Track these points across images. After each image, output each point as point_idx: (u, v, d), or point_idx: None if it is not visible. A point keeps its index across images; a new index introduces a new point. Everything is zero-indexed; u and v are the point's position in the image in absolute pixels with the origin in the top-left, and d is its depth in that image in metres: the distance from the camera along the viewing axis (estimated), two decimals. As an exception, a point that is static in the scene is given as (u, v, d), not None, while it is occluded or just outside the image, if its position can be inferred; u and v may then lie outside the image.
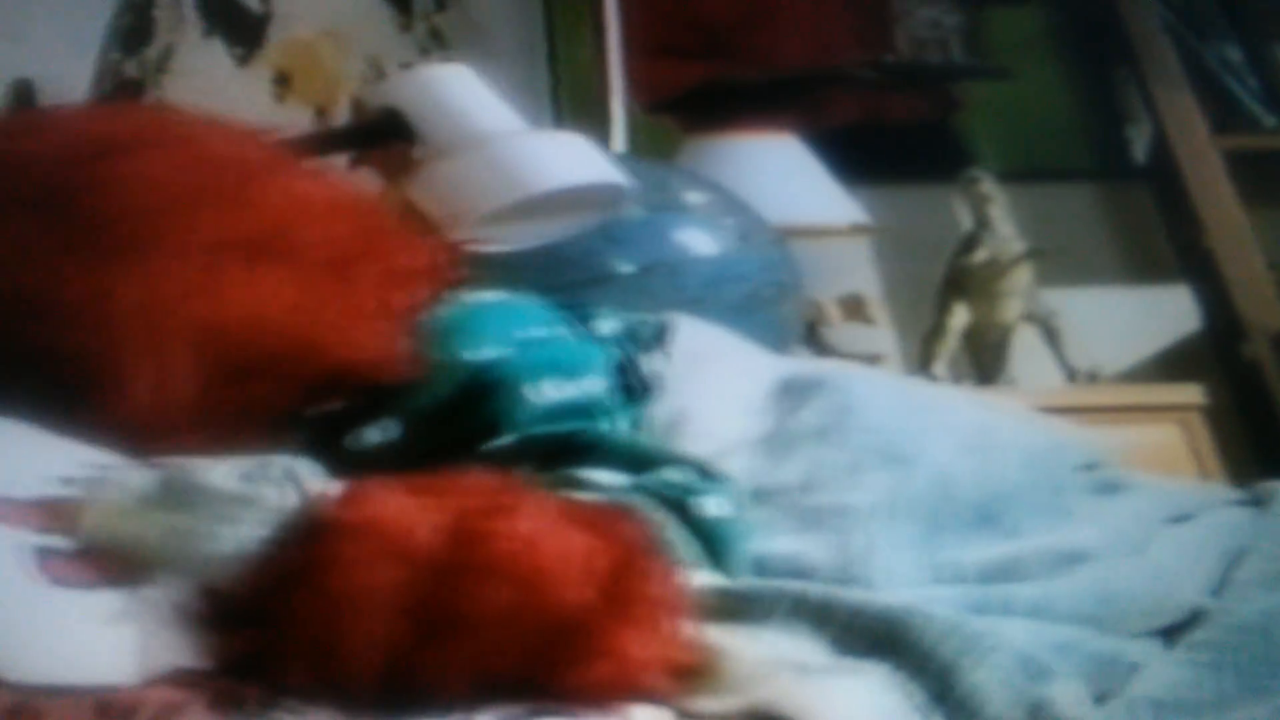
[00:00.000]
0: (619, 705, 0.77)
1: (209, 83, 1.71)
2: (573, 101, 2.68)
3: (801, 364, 1.41)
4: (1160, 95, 2.69)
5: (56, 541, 0.74)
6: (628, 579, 0.79)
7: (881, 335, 2.47)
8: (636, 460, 1.02)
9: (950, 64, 2.80)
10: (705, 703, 0.79)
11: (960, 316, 2.37)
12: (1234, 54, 2.75)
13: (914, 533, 1.05)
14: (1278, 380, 2.44)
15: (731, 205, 1.90)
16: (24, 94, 1.31)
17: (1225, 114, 2.69)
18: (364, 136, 1.43)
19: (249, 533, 0.79)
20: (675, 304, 1.80)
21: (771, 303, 1.84)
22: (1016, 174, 2.59)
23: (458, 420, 1.04)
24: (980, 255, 2.38)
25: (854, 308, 2.38)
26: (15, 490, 0.76)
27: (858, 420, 1.15)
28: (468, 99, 1.44)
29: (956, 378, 2.36)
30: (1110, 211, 2.72)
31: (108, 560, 0.74)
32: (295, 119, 1.88)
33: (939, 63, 2.81)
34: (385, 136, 1.43)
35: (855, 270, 2.55)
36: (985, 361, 2.40)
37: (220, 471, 0.82)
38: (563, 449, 1.04)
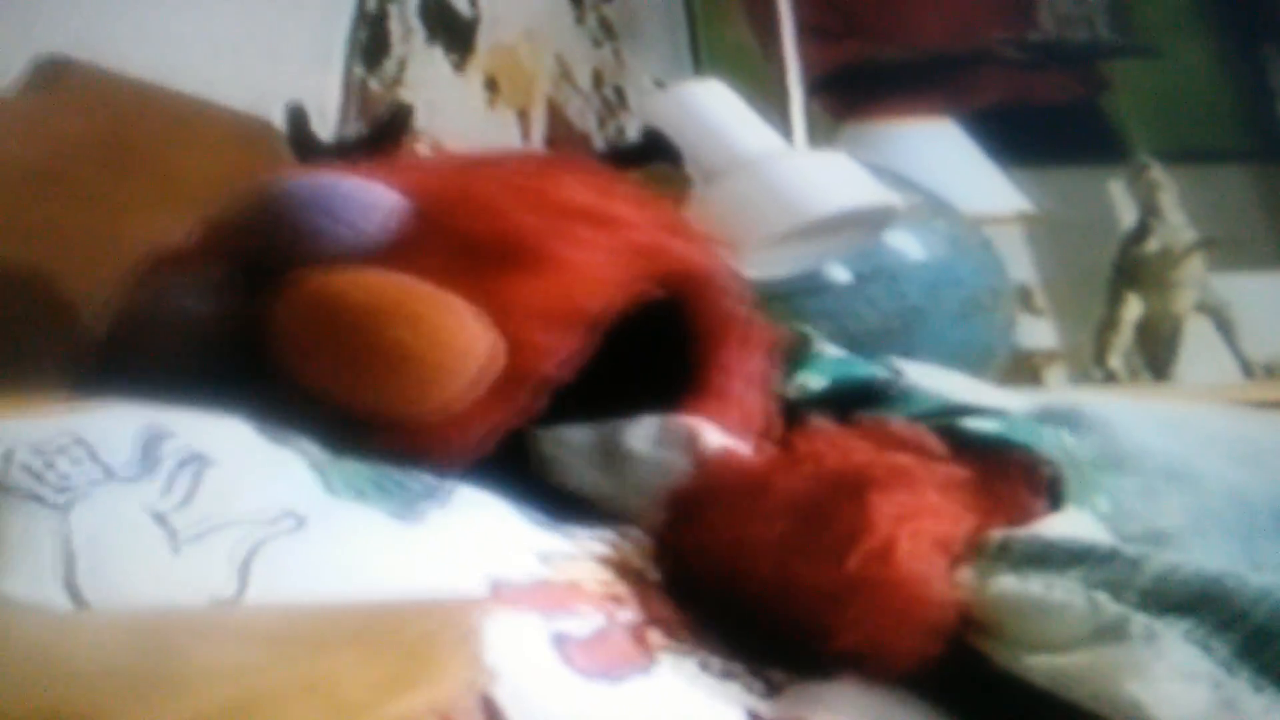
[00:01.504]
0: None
1: (434, 93, 1.66)
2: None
3: (1036, 394, 1.39)
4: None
5: (568, 625, 0.70)
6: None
7: (1047, 326, 2.43)
8: (953, 407, 1.00)
9: (1097, 41, 2.75)
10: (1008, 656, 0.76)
11: (1133, 308, 2.33)
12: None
13: (1233, 549, 1.03)
14: None
15: (938, 206, 1.85)
16: (298, 119, 1.26)
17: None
18: (627, 158, 1.39)
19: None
20: (896, 313, 1.76)
21: (989, 309, 1.80)
22: (1168, 155, 2.54)
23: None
24: (1152, 245, 2.34)
25: (1023, 299, 2.34)
26: (512, 574, 0.71)
27: (1127, 445, 1.12)
28: (727, 116, 1.40)
29: (1130, 371, 2.33)
30: (1266, 194, 2.67)
31: (622, 645, 0.71)
32: (504, 124, 1.84)
33: (1085, 40, 2.75)
34: (648, 158, 1.39)
35: (1010, 258, 2.51)
36: (1157, 354, 2.36)
37: (639, 435, 0.83)
38: (870, 396, 1.02)
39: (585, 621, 0.71)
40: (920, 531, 0.77)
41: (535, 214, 0.86)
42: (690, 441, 0.86)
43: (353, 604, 0.58)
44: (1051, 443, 0.94)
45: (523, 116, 1.92)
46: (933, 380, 1.13)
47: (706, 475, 0.83)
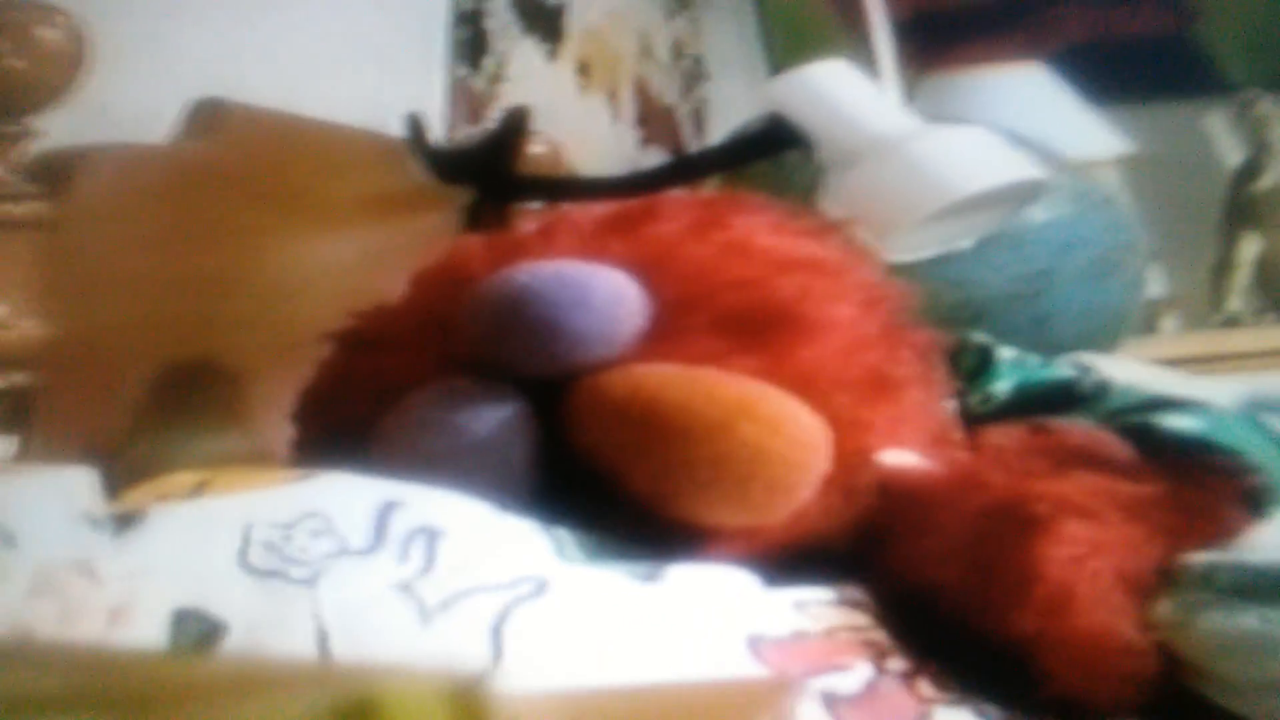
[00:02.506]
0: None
1: (531, 85, 1.60)
2: (785, 41, 2.55)
3: (1242, 381, 1.30)
4: None
5: (836, 683, 0.65)
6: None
7: (1157, 272, 2.34)
8: (1150, 400, 0.92)
9: (1184, -31, 2.64)
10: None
11: (1250, 247, 2.24)
12: None
13: None
14: None
15: (1057, 163, 1.77)
16: (417, 129, 1.21)
17: None
18: (753, 149, 1.32)
19: None
20: (1023, 277, 1.68)
21: (1120, 266, 1.72)
22: (1266, 84, 2.44)
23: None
24: (1266, 180, 2.25)
25: (1134, 246, 2.25)
26: (769, 628, 0.67)
27: None
28: (857, 96, 1.32)
29: (1253, 312, 2.24)
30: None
31: (896, 699, 0.65)
32: (595, 108, 1.77)
33: (1172, -32, 2.64)
34: (775, 147, 1.31)
35: (1110, 202, 2.42)
36: (1277, 294, 2.27)
37: None
38: (1068, 400, 0.95)
39: (853, 676, 0.66)
40: (1100, 571, 0.71)
41: (774, 273, 0.80)
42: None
43: (655, 691, 0.53)
44: (1262, 445, 0.85)
45: (612, 98, 1.85)
46: (1127, 373, 1.06)
47: (885, 501, 0.78)
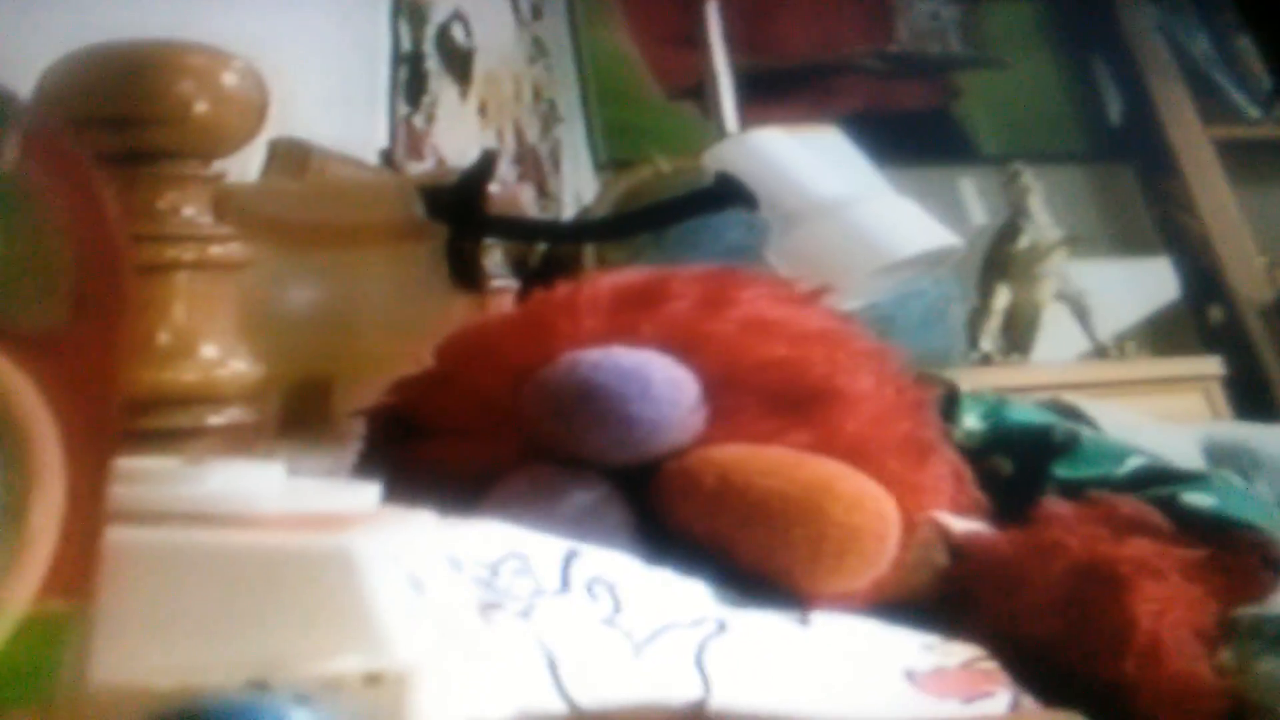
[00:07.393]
0: None
1: (452, 124, 1.76)
2: (600, 90, 2.77)
3: (1199, 426, 1.42)
4: (1154, 85, 2.94)
5: (988, 708, 0.72)
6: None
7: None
8: (1118, 454, 0.99)
9: (949, 54, 3.00)
10: None
11: (1002, 297, 2.59)
12: (1205, 45, 3.01)
13: None
14: (1266, 348, 2.74)
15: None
16: (393, 164, 1.35)
17: (1207, 100, 2.95)
18: (704, 204, 1.52)
19: None
20: (870, 322, 1.94)
21: (944, 315, 2.01)
22: (1013, 157, 2.81)
23: None
24: (1022, 242, 2.60)
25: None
26: (916, 663, 0.74)
27: None
28: (797, 161, 1.54)
29: (1001, 352, 2.59)
30: (1098, 190, 2.98)
31: None
32: (491, 142, 1.95)
33: (939, 53, 3.00)
34: (724, 203, 1.52)
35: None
36: (1020, 338, 2.63)
37: None
38: (1043, 446, 1.02)
39: (999, 701, 0.74)
40: (1178, 623, 0.80)
41: (798, 349, 0.85)
42: (942, 533, 0.87)
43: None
44: (1266, 513, 0.94)
45: (500, 137, 2.03)
46: (1103, 417, 1.17)
47: (964, 565, 0.83)
